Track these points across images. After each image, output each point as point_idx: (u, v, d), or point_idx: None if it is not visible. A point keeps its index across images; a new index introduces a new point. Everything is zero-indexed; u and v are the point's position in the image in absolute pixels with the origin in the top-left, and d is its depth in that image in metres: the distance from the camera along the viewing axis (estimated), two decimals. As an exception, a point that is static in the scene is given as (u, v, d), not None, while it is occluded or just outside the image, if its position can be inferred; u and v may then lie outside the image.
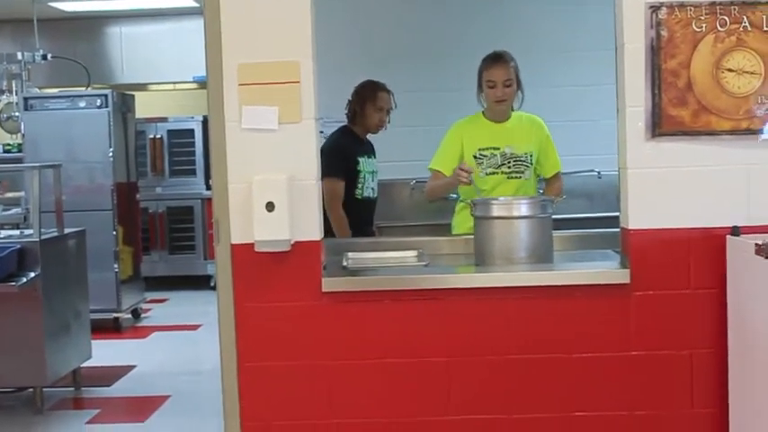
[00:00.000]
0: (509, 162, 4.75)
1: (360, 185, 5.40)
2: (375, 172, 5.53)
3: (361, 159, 5.41)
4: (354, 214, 5.37)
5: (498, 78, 4.69)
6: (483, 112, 4.84)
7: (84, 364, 6.48)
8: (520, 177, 4.76)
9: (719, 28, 3.56)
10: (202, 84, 3.71)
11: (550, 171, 4.94)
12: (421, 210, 6.85)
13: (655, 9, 3.56)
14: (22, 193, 7.60)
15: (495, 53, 4.77)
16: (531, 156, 4.79)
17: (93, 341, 6.62)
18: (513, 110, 4.85)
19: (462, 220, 4.78)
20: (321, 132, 4.07)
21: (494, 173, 4.74)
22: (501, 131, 4.80)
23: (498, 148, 4.75)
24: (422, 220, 6.70)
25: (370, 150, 5.54)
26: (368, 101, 5.43)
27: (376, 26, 7.67)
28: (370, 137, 5.61)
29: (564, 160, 5.05)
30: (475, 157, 4.75)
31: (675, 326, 3.64)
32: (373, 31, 7.66)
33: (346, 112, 5.54)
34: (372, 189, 5.49)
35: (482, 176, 4.71)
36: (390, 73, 7.17)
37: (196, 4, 9.26)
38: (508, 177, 4.75)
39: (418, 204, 6.82)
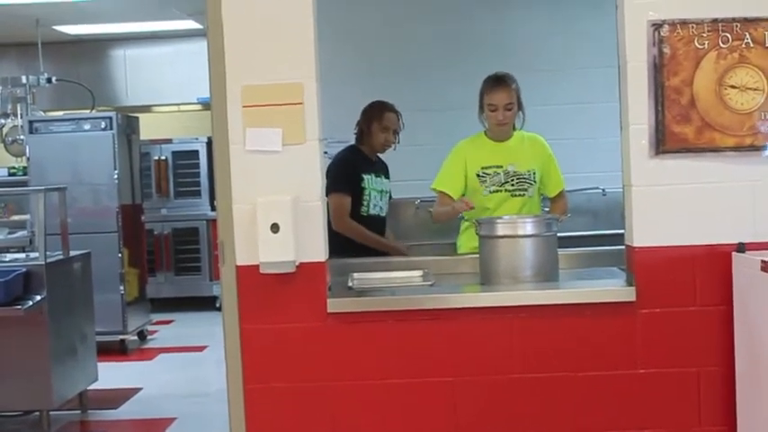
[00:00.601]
0: (512, 180, 4.76)
1: (365, 203, 5.40)
2: (384, 191, 5.52)
3: (366, 177, 5.41)
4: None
5: (499, 102, 4.71)
6: (485, 132, 4.86)
7: (91, 387, 6.47)
8: (523, 195, 4.77)
9: (722, 45, 3.57)
10: (207, 105, 3.72)
11: (554, 190, 4.94)
12: (426, 229, 6.84)
13: (657, 26, 3.57)
14: (27, 217, 7.60)
15: (496, 76, 4.77)
16: (533, 174, 4.80)
17: (99, 363, 6.61)
18: (514, 129, 4.86)
19: (467, 240, 4.79)
20: (326, 153, 4.08)
21: (497, 191, 4.74)
22: (503, 150, 4.81)
23: (501, 167, 4.76)
24: (427, 239, 6.70)
25: (379, 170, 5.53)
26: (374, 120, 5.45)
27: (378, 46, 7.70)
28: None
29: (568, 178, 5.05)
30: (478, 175, 4.75)
31: (682, 343, 3.63)
32: (374, 51, 7.69)
33: (355, 131, 5.56)
34: (381, 208, 5.49)
35: (486, 194, 4.73)
36: (393, 92, 7.18)
37: (200, 27, 9.29)
38: (512, 195, 4.76)
39: (423, 223, 6.81)
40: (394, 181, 5.72)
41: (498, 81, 4.74)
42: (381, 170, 5.56)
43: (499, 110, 4.71)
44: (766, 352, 3.31)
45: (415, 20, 7.73)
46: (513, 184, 4.76)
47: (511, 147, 4.82)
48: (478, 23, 7.68)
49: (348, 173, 5.39)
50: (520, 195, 4.76)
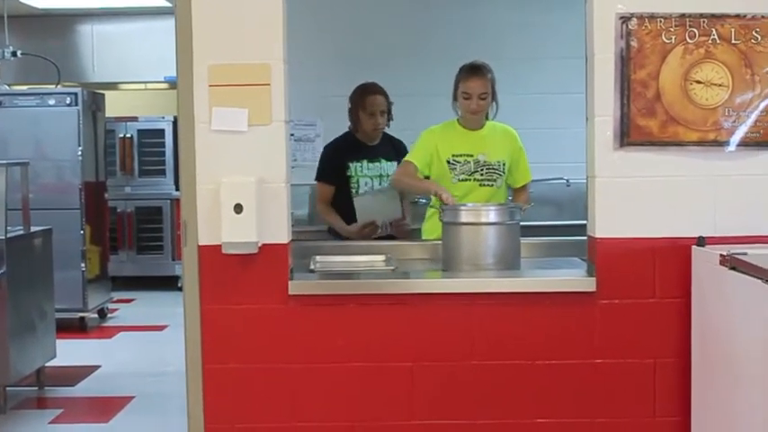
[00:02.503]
0: (482, 169, 4.77)
1: (354, 190, 5.38)
2: (383, 175, 5.41)
3: (352, 165, 5.38)
4: (354, 215, 5.38)
5: (474, 91, 4.70)
6: (458, 120, 4.86)
7: (49, 364, 6.43)
8: (492, 185, 4.78)
9: (689, 40, 3.59)
10: (174, 84, 3.71)
11: (520, 182, 4.96)
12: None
13: (625, 20, 3.59)
14: (-12, 191, 7.54)
15: (472, 65, 4.77)
16: (503, 164, 4.81)
17: (57, 340, 6.58)
18: (487, 118, 4.87)
19: (433, 226, 4.79)
20: (292, 135, 4.07)
21: (466, 179, 4.75)
22: (475, 139, 4.81)
23: (472, 155, 4.77)
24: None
25: (378, 154, 5.40)
26: (359, 107, 5.41)
27: (349, 30, 7.66)
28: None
29: (533, 167, 5.06)
30: (448, 162, 4.76)
31: (640, 334, 3.67)
32: (345, 35, 7.65)
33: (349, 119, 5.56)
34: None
35: (454, 182, 4.73)
36: (363, 77, 7.14)
37: (168, 4, 9.21)
38: (480, 185, 4.77)
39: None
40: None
41: (474, 70, 4.74)
42: (382, 153, 5.45)
43: (473, 98, 4.71)
44: (722, 345, 3.35)
45: (386, 5, 7.71)
46: (482, 174, 4.77)
47: (483, 136, 4.83)
48: (450, 11, 7.66)
49: (332, 163, 5.44)
50: (488, 185, 4.78)
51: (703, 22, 3.59)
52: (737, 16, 3.59)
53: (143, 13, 10.47)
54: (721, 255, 3.29)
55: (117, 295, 9.41)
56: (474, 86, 4.70)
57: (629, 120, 3.61)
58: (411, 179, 4.81)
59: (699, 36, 3.59)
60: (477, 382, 3.69)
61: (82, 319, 8.31)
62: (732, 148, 3.62)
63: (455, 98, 4.80)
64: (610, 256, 3.64)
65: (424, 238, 4.91)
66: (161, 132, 10.45)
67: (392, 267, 4.02)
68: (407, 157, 4.86)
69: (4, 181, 5.99)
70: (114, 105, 9.72)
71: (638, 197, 3.64)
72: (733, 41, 3.59)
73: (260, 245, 3.60)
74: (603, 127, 3.62)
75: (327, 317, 3.69)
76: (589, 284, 3.66)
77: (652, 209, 3.64)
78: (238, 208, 3.53)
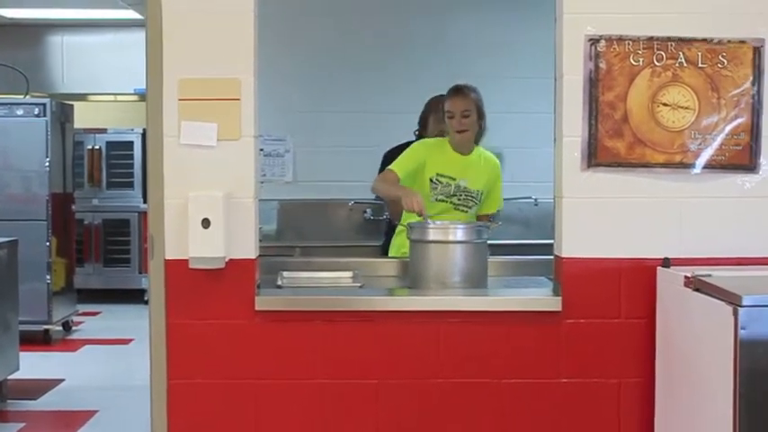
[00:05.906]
0: (460, 194, 4.78)
1: None
2: None
3: None
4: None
5: (456, 109, 4.74)
6: (449, 140, 4.85)
7: (11, 377, 6.37)
8: (466, 211, 4.78)
9: (656, 63, 3.62)
10: (143, 96, 3.69)
11: (487, 210, 4.93)
12: (357, 230, 6.86)
13: (594, 42, 3.62)
14: (-47, 201, 7.49)
15: (456, 86, 4.82)
16: (481, 194, 4.83)
17: (21, 353, 6.52)
18: (477, 143, 4.87)
19: (401, 243, 4.79)
20: (261, 150, 4.07)
21: (443, 200, 4.75)
22: (462, 164, 4.80)
23: (454, 179, 4.77)
24: (358, 240, 6.71)
25: None
26: (430, 113, 5.45)
27: (319, 47, 7.67)
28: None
29: (502, 186, 5.08)
30: (431, 180, 4.76)
31: (605, 354, 3.68)
32: (315, 51, 7.66)
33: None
34: None
35: (432, 201, 4.72)
36: (333, 94, 7.20)
37: (139, 17, 9.20)
38: (455, 208, 4.77)
39: (355, 225, 6.83)
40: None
41: (456, 90, 4.80)
42: None
43: (456, 116, 4.74)
44: (685, 366, 3.37)
45: (355, 23, 7.73)
46: (459, 199, 4.77)
47: (469, 162, 4.82)
48: (418, 29, 7.69)
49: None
50: (462, 210, 4.78)
51: (671, 45, 3.62)
52: (704, 40, 3.63)
53: (114, 25, 10.45)
54: (686, 276, 3.32)
55: (82, 308, 9.35)
56: (456, 105, 4.74)
57: (596, 141, 3.63)
58: (385, 185, 4.80)
59: (666, 59, 3.62)
60: (442, 400, 3.68)
61: (46, 331, 8.25)
62: (698, 170, 3.65)
63: (443, 120, 4.82)
64: (576, 276, 3.66)
65: (391, 254, 4.91)
66: (130, 145, 10.42)
67: (359, 284, 4.02)
68: (391, 166, 4.85)
69: (-30, 191, 5.95)
70: (83, 117, 9.68)
71: (605, 218, 3.66)
72: (700, 65, 3.63)
73: (227, 260, 3.59)
74: (571, 147, 3.65)
75: (294, 333, 3.68)
76: (555, 304, 3.67)
77: (618, 229, 3.66)
78: (206, 222, 3.52)
